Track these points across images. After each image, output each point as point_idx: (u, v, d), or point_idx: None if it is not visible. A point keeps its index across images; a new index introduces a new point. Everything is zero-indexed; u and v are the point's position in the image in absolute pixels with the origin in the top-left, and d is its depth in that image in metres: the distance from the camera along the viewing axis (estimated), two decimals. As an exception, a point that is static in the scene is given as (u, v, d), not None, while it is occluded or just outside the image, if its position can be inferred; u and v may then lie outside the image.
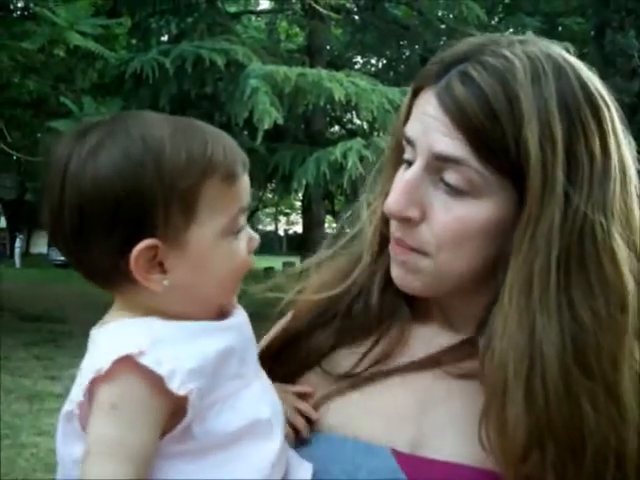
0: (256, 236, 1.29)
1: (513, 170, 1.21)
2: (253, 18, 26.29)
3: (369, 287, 1.45)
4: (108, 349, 1.12)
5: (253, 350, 1.32)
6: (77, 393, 1.12)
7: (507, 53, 1.24)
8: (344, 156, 14.68)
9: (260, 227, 73.49)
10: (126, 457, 1.08)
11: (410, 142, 1.29)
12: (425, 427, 1.33)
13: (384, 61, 26.39)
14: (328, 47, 22.08)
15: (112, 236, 1.16)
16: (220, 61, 15.04)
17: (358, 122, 17.36)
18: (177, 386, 1.10)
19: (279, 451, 1.24)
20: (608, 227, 1.22)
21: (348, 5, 20.77)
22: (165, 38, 19.65)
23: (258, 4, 26.37)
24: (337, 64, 20.88)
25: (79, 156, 1.16)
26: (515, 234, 1.23)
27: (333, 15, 17.36)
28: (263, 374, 1.32)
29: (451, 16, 21.82)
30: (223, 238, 1.22)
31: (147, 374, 1.10)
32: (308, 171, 15.22)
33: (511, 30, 23.47)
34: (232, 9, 22.46)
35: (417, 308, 1.44)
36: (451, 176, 1.24)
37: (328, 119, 19.48)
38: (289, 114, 15.62)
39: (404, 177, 1.28)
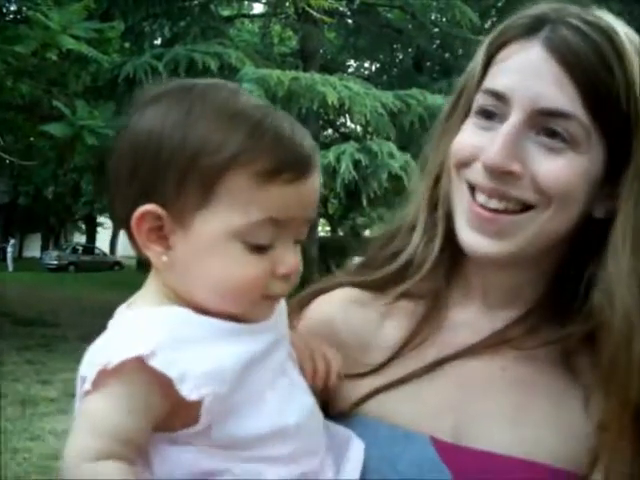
0: (291, 263, 1.14)
1: (618, 125, 1.22)
2: (247, 22, 26.28)
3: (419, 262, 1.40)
4: (121, 343, 1.06)
5: (283, 349, 1.22)
6: (87, 377, 1.07)
7: (599, 16, 1.26)
8: (337, 160, 14.71)
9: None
10: (119, 440, 1.03)
11: (501, 97, 1.25)
12: (469, 415, 1.29)
13: (377, 65, 26.38)
14: (321, 51, 22.09)
15: (131, 186, 1.12)
16: (213, 65, 15.07)
17: (352, 126, 17.34)
18: (188, 390, 1.04)
19: (307, 451, 1.18)
20: None
21: (341, 9, 20.77)
22: (158, 42, 19.65)
23: (252, 8, 26.33)
24: (330, 68, 20.93)
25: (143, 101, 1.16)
26: (623, 185, 1.24)
27: (326, 19, 17.35)
28: (294, 370, 1.23)
29: (444, 20, 21.86)
30: (232, 241, 1.10)
31: (156, 376, 1.04)
32: (301, 174, 15.22)
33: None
34: (226, 13, 22.45)
35: (455, 288, 1.41)
36: (554, 130, 1.22)
37: (321, 123, 19.49)
38: (283, 118, 15.60)
39: (502, 130, 1.23)
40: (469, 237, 1.27)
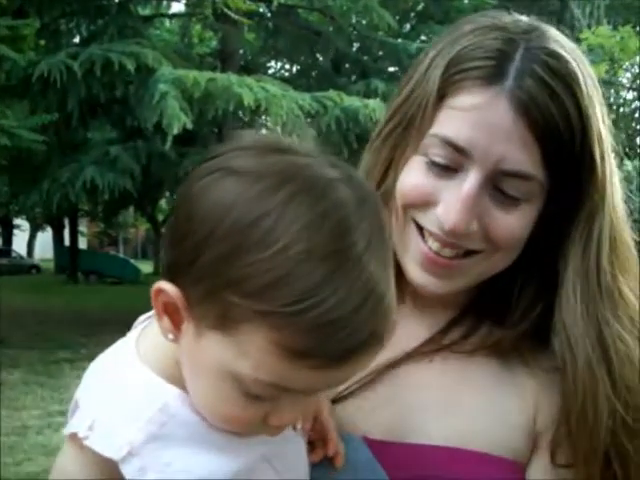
0: (286, 419, 1.00)
1: (568, 172, 1.24)
2: (167, 21, 26.06)
3: None
4: (100, 420, 1.00)
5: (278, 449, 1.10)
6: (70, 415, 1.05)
7: (562, 53, 1.23)
8: (254, 161, 14.68)
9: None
10: None
11: (461, 150, 1.21)
12: (403, 411, 1.29)
13: (297, 67, 26.44)
14: (241, 52, 22.06)
15: (171, 250, 0.99)
16: (130, 65, 14.92)
17: (270, 127, 17.34)
18: None
19: None
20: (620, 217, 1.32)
21: (261, 10, 20.79)
22: (77, 40, 19.35)
23: (170, 7, 26.09)
24: (250, 69, 20.93)
25: None
26: (574, 230, 1.28)
27: (245, 20, 17.35)
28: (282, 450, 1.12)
29: (363, 22, 22.05)
30: (230, 380, 0.96)
31: (127, 477, 0.98)
32: (219, 176, 15.16)
33: (423, 38, 23.87)
34: (145, 12, 22.22)
35: None
36: (512, 188, 1.22)
37: (241, 124, 19.44)
38: (200, 119, 15.55)
39: (463, 192, 1.21)
40: (420, 276, 1.28)
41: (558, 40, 1.26)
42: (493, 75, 1.20)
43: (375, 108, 15.81)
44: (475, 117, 1.20)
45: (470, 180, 1.21)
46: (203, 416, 1.02)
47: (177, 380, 1.04)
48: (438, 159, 1.23)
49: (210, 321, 0.93)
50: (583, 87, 1.23)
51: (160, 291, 0.97)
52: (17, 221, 49.50)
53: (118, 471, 0.99)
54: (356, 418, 1.29)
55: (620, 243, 1.31)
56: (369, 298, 0.91)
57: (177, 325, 0.98)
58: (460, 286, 1.30)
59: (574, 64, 1.23)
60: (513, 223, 1.24)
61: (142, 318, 1.15)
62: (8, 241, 48.95)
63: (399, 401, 1.31)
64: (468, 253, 1.26)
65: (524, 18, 1.30)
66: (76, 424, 1.02)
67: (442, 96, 1.24)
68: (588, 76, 1.25)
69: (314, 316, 0.88)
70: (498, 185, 1.22)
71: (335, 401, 1.29)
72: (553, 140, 1.20)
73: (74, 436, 1.02)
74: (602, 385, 1.23)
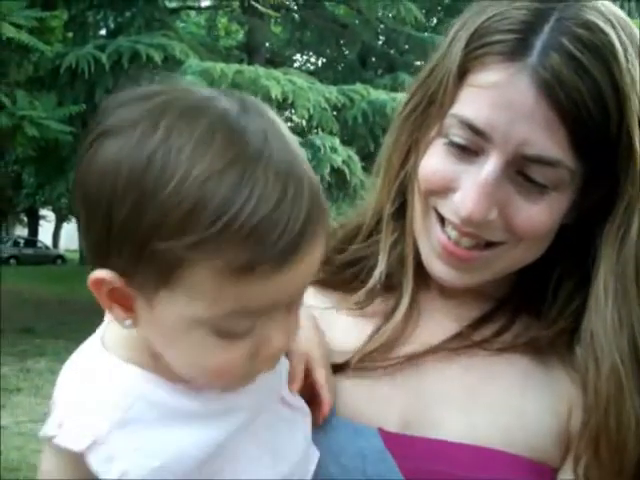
0: (278, 343, 0.96)
1: (602, 158, 1.13)
2: (193, 14, 26.11)
3: (374, 256, 1.34)
4: (69, 415, 0.97)
5: (259, 416, 1.08)
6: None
7: (599, 24, 1.11)
8: (280, 153, 14.70)
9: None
10: None
11: (480, 132, 1.12)
12: (420, 404, 1.24)
13: (323, 60, 26.41)
14: (268, 44, 22.06)
15: (87, 237, 0.95)
16: (157, 57, 14.96)
17: (296, 119, 17.33)
18: None
19: None
20: None
21: (288, 3, 20.77)
22: (103, 32, 19.43)
23: (198, 1, 26.17)
24: (276, 62, 20.89)
25: None
26: (609, 225, 1.17)
27: (272, 13, 17.36)
28: (271, 430, 1.10)
29: (390, 16, 21.97)
30: (197, 328, 0.92)
31: (94, 468, 0.95)
32: (245, 168, 15.19)
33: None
34: (172, 4, 22.27)
35: (420, 285, 1.32)
36: (537, 174, 1.12)
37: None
38: (226, 111, 15.54)
39: (481, 178, 1.13)
40: (439, 268, 1.22)
41: (600, 9, 1.13)
42: (516, 50, 1.10)
43: (402, 102, 15.72)
44: (495, 96, 1.11)
45: (489, 165, 1.12)
46: (170, 391, 0.99)
47: (145, 363, 1.00)
48: (457, 139, 1.15)
49: (152, 283, 0.90)
50: (622, 61, 1.10)
51: (98, 281, 0.93)
52: (43, 212, 49.88)
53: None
54: (372, 407, 1.25)
55: None
56: (287, 188, 0.88)
57: (128, 309, 0.95)
58: (481, 280, 1.23)
59: (613, 35, 1.10)
60: (538, 214, 1.14)
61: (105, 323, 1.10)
62: (34, 232, 49.34)
63: (419, 393, 1.25)
64: (489, 244, 1.18)
65: None
66: (49, 425, 0.99)
67: (464, 72, 1.15)
68: (633, 49, 1.13)
69: (240, 226, 0.85)
70: (522, 170, 1.12)
71: (349, 386, 1.26)
72: (583, 122, 1.09)
73: (49, 439, 0.98)
74: (629, 400, 1.13)
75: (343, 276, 1.36)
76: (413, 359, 1.26)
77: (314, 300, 1.33)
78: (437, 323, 1.31)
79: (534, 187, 1.13)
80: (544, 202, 1.14)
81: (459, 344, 1.26)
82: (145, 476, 0.95)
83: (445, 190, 1.18)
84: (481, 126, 1.12)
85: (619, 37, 1.11)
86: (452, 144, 1.16)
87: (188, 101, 0.92)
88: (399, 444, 1.21)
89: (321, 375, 1.21)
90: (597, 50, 1.09)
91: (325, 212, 0.94)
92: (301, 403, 1.17)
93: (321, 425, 1.21)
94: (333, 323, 1.33)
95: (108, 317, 1.05)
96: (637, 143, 1.12)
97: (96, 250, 0.94)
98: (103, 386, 0.98)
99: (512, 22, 1.12)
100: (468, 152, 1.15)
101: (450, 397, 1.24)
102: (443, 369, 1.26)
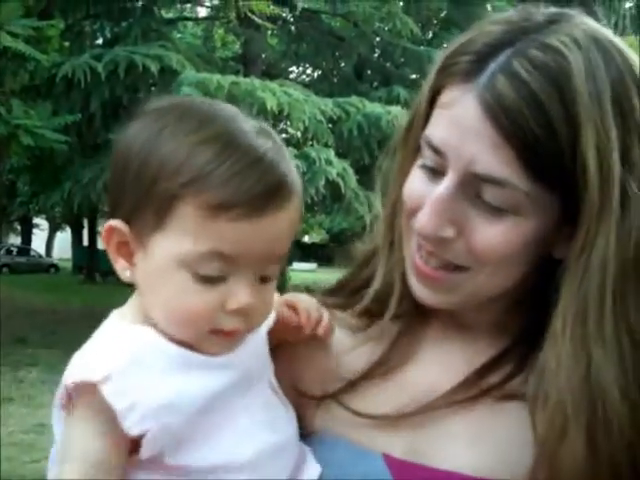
0: (242, 299, 1.08)
1: (563, 183, 1.08)
2: (190, 25, 26.19)
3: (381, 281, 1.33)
4: (84, 364, 1.07)
5: (251, 387, 1.17)
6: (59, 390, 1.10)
7: (556, 44, 1.07)
8: (275, 165, 14.73)
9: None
10: (90, 463, 1.04)
11: (438, 152, 1.13)
12: (426, 432, 1.22)
13: (319, 72, 26.49)
14: (264, 56, 22.11)
15: (108, 197, 1.15)
16: (153, 67, 15.02)
17: (291, 131, 17.37)
18: (131, 424, 1.04)
19: None
20: None
21: (284, 15, 20.84)
22: (100, 42, 19.48)
23: (196, 12, 26.24)
24: (272, 73, 20.99)
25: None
26: (570, 255, 1.11)
27: (268, 25, 17.42)
28: (267, 409, 1.19)
29: (386, 29, 22.06)
30: (180, 269, 1.07)
31: (105, 404, 1.03)
32: (239, 179, 15.23)
33: (445, 45, 23.80)
34: (169, 15, 22.34)
35: (431, 318, 1.31)
36: (491, 196, 1.10)
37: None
38: (222, 122, 15.58)
39: (434, 194, 1.13)
40: (416, 288, 1.22)
41: (570, 32, 1.10)
42: (471, 71, 1.10)
43: (397, 115, 15.78)
44: (448, 115, 1.12)
45: (444, 182, 1.12)
46: (178, 345, 1.10)
47: (153, 325, 1.12)
48: (426, 161, 1.16)
49: (149, 223, 1.07)
50: (579, 84, 1.05)
51: (111, 230, 1.11)
52: (36, 220, 49.80)
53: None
54: (377, 434, 1.24)
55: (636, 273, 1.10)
56: (267, 153, 1.07)
57: (130, 260, 1.11)
58: (453, 301, 1.20)
59: (573, 57, 1.06)
60: (495, 236, 1.11)
61: (114, 312, 1.20)
62: (27, 240, 49.25)
63: (425, 423, 1.23)
64: (457, 268, 1.17)
65: (560, 10, 1.15)
66: (67, 371, 1.08)
67: (436, 94, 1.16)
68: (605, 71, 1.08)
69: (223, 171, 1.04)
70: (479, 193, 1.11)
71: (357, 414, 1.25)
72: (529, 145, 1.06)
73: (65, 402, 1.08)
74: (573, 436, 1.07)
75: (354, 300, 1.37)
76: (415, 414, 1.23)
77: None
78: (445, 360, 1.29)
79: (491, 209, 1.11)
80: (502, 225, 1.11)
81: (464, 395, 1.22)
82: (151, 411, 1.05)
83: (419, 210, 1.17)
84: (437, 144, 1.13)
85: (585, 58, 1.07)
86: (424, 166, 1.17)
87: (198, 106, 1.15)
88: (404, 471, 1.19)
89: (298, 304, 1.28)
90: (548, 71, 1.06)
91: (297, 197, 1.11)
92: (286, 399, 1.25)
93: (326, 447, 1.24)
94: (344, 343, 1.34)
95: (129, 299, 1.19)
96: (591, 170, 1.06)
97: (113, 200, 1.13)
98: (122, 338, 1.10)
99: (478, 45, 1.11)
100: (436, 173, 1.15)
101: (456, 429, 1.22)
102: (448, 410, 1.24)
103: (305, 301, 1.30)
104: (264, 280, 1.12)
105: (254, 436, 1.15)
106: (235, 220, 1.04)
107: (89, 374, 1.04)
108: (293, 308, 1.28)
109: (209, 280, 1.07)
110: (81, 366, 1.07)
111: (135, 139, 1.10)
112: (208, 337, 1.10)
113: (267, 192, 1.06)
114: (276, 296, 1.23)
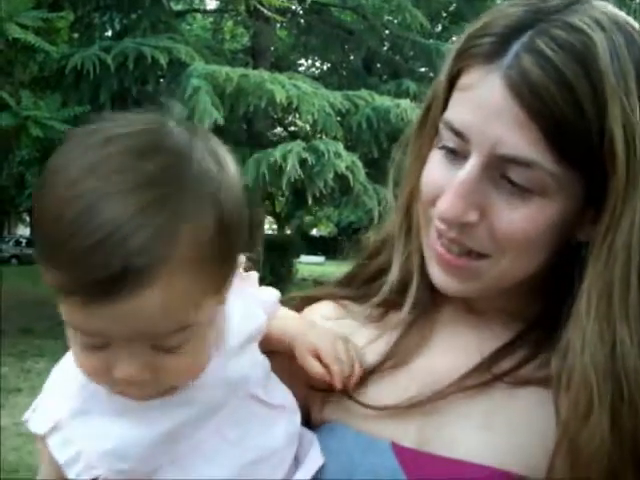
0: (126, 371, 0.99)
1: (589, 163, 1.08)
2: (199, 17, 26.14)
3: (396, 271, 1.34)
4: (36, 413, 1.13)
5: (222, 405, 1.13)
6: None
7: (579, 24, 1.07)
8: (284, 158, 14.71)
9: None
10: None
11: (460, 135, 1.12)
12: (435, 421, 1.22)
13: (328, 65, 26.40)
14: (273, 48, 22.06)
15: None
16: (162, 59, 14.97)
17: (300, 124, 17.35)
18: (76, 474, 1.06)
19: None
20: None
21: (293, 7, 20.79)
22: (109, 33, 19.46)
23: (205, 4, 26.19)
24: (281, 66, 20.90)
25: None
26: (595, 235, 1.11)
27: (278, 17, 17.37)
28: (243, 419, 1.16)
29: (395, 22, 21.98)
30: (74, 333, 1.02)
31: (52, 451, 1.08)
32: (247, 172, 15.20)
33: (454, 39, 23.74)
34: (178, 7, 22.30)
35: (444, 305, 1.32)
36: (517, 176, 1.09)
37: (271, 121, 19.47)
38: (230, 114, 15.58)
39: (458, 178, 1.12)
40: (438, 276, 1.21)
41: (590, 12, 1.10)
42: (494, 52, 1.09)
43: (406, 108, 15.73)
44: (471, 98, 1.11)
45: (467, 166, 1.11)
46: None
47: None
48: (448, 143, 1.15)
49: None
50: (604, 63, 1.06)
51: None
52: (46, 212, 49.67)
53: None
54: (387, 423, 1.24)
55: None
56: (120, 228, 0.89)
57: None
58: (474, 289, 1.20)
59: (597, 36, 1.07)
60: (520, 220, 1.10)
61: None
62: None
63: (436, 411, 1.23)
64: (479, 256, 1.16)
65: None
66: (28, 411, 1.14)
67: (455, 78, 1.16)
68: (630, 53, 1.08)
69: (67, 252, 0.90)
70: (504, 173, 1.10)
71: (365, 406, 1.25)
72: (556, 123, 1.05)
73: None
74: (597, 416, 1.07)
75: (366, 290, 1.37)
76: (427, 402, 1.23)
77: (334, 312, 1.37)
78: (457, 347, 1.29)
79: (517, 191, 1.10)
80: (527, 208, 1.11)
81: (477, 380, 1.22)
82: (96, 459, 1.05)
83: (438, 196, 1.17)
84: (458, 126, 1.12)
85: (608, 39, 1.08)
86: (444, 148, 1.17)
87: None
88: (413, 461, 1.20)
89: (326, 354, 1.24)
90: (573, 50, 1.06)
91: (166, 274, 0.93)
92: (283, 401, 1.22)
93: (335, 436, 1.25)
94: (355, 335, 1.33)
95: None
96: (619, 150, 1.06)
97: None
98: (69, 378, 1.10)
99: (498, 27, 1.11)
100: (458, 156, 1.15)
101: (468, 416, 1.21)
102: (460, 396, 1.24)
103: (330, 345, 1.25)
104: (169, 350, 1.00)
105: (226, 456, 1.12)
106: (80, 306, 0.94)
107: (38, 426, 1.10)
108: (318, 358, 1.23)
109: (92, 347, 1.00)
110: (33, 418, 1.12)
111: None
112: (119, 389, 1.05)
113: (106, 281, 0.90)
114: (299, 339, 1.25)
